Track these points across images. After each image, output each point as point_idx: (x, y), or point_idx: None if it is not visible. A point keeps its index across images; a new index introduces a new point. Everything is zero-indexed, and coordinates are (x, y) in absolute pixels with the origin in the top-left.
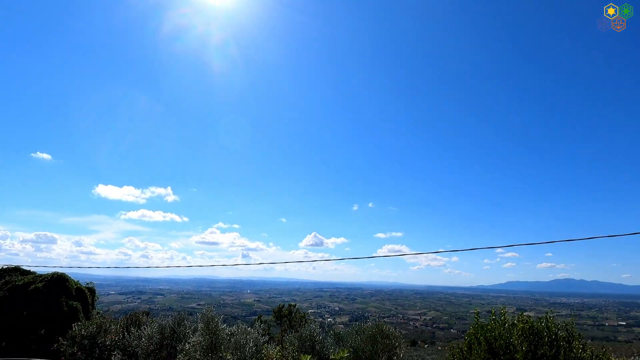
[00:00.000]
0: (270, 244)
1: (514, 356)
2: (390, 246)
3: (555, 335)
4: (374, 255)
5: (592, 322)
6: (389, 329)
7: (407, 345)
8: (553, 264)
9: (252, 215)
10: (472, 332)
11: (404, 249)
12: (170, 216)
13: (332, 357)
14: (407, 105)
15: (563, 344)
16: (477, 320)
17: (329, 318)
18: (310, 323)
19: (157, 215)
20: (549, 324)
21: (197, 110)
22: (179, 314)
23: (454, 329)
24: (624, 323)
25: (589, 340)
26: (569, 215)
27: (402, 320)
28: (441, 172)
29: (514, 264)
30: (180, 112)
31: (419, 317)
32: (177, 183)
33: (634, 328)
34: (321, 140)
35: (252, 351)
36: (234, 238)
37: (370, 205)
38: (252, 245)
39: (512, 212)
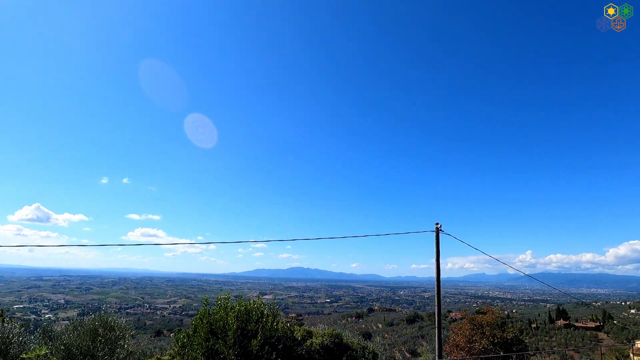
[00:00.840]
0: None
1: (227, 334)
2: (145, 229)
3: (262, 313)
4: (127, 244)
5: (310, 300)
6: (114, 321)
7: (151, 336)
8: (290, 254)
9: None
10: (198, 317)
11: (160, 233)
12: None
13: (24, 356)
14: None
15: (264, 320)
16: (205, 306)
17: (47, 314)
18: (7, 322)
19: None
20: (258, 305)
21: None
22: None
23: None
24: (329, 300)
25: (307, 315)
26: (305, 215)
27: (148, 310)
28: (207, 160)
29: (262, 254)
30: None
31: (168, 306)
32: None
33: (333, 303)
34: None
35: None
36: None
37: (125, 181)
38: None
39: (264, 208)
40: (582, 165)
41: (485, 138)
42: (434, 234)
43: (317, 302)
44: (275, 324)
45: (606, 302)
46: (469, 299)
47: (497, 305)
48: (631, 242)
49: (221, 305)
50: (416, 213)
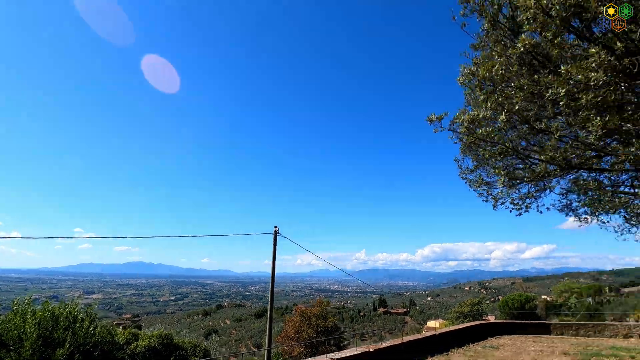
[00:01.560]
0: None
1: (24, 344)
2: None
3: (74, 318)
4: None
5: (151, 299)
6: None
7: None
8: (129, 247)
9: None
10: None
11: None
12: None
13: None
14: None
15: (78, 325)
16: None
17: None
18: None
19: None
20: (70, 309)
21: None
22: None
23: None
24: (174, 297)
25: (145, 315)
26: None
27: None
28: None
29: (90, 246)
30: None
31: None
32: None
33: (179, 301)
34: None
35: None
36: None
37: None
38: None
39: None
40: (406, 182)
41: (324, 154)
42: (272, 236)
43: (159, 301)
44: (92, 328)
45: (413, 292)
46: (314, 293)
47: (336, 297)
48: (431, 245)
49: (17, 311)
50: (272, 212)
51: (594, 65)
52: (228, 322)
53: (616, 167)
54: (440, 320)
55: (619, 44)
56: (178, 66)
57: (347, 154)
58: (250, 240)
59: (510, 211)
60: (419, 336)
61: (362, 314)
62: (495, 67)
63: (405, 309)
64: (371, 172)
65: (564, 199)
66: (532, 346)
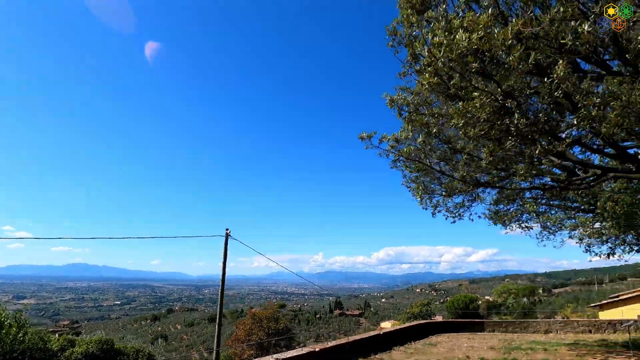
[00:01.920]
0: None
1: None
2: None
3: (1, 324)
4: None
5: (93, 304)
6: None
7: None
8: (69, 247)
9: None
10: None
11: None
12: None
13: None
14: None
15: (4, 332)
16: None
17: None
18: None
19: None
20: None
21: None
22: None
23: None
24: (119, 302)
25: (86, 322)
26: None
27: None
28: None
29: (22, 245)
30: None
31: None
32: None
33: (125, 306)
34: None
35: None
36: None
37: None
38: None
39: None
40: (363, 187)
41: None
42: (224, 238)
43: (102, 306)
44: (21, 335)
45: (368, 294)
46: (271, 295)
47: (294, 300)
48: (386, 248)
49: None
50: (229, 213)
51: (477, 104)
52: (179, 326)
53: (513, 186)
54: (393, 320)
55: (502, 86)
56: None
57: (305, 159)
58: (205, 242)
59: (446, 219)
60: (364, 335)
61: (318, 316)
62: (412, 96)
63: (361, 311)
64: (327, 179)
65: (493, 208)
66: (465, 343)
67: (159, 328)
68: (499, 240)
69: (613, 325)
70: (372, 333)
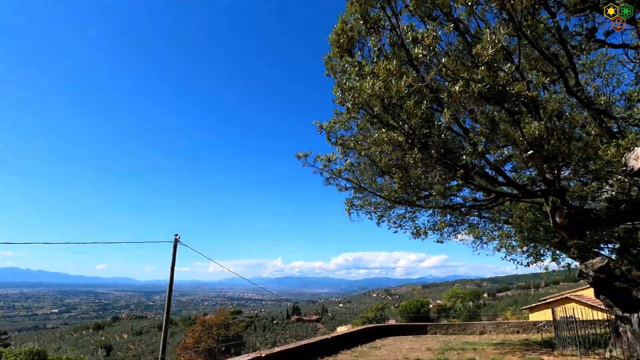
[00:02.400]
0: None
1: None
2: None
3: None
4: None
5: (26, 312)
6: None
7: None
8: None
9: None
10: None
11: None
12: None
13: None
14: None
15: None
16: None
17: None
18: None
19: None
20: None
21: None
22: None
23: None
24: (57, 310)
25: (17, 332)
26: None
27: None
28: None
29: None
30: None
31: None
32: None
33: (64, 314)
34: None
35: None
36: None
37: None
38: None
39: None
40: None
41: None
42: (172, 244)
43: (37, 315)
44: None
45: (326, 299)
46: (227, 301)
47: (251, 305)
48: (343, 254)
49: None
50: (186, 218)
51: (384, 138)
52: (126, 335)
53: (429, 204)
54: (349, 325)
55: (405, 125)
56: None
57: (264, 164)
58: (156, 246)
59: (389, 228)
60: (311, 340)
61: (275, 322)
62: (337, 124)
63: (318, 316)
64: (289, 186)
65: (432, 219)
66: (407, 345)
67: (103, 338)
68: (450, 246)
69: (537, 326)
70: (320, 338)
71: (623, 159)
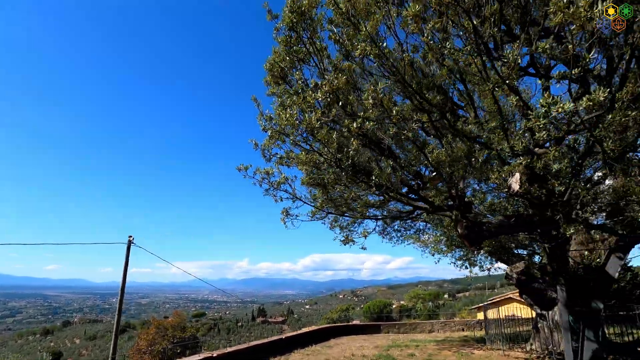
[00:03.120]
0: None
1: None
2: None
3: None
4: None
5: None
6: None
7: None
8: None
9: None
10: None
11: None
12: None
13: None
14: None
15: None
16: None
17: None
18: None
19: None
20: None
21: None
22: None
23: None
24: (0, 314)
25: None
26: None
27: None
28: None
29: None
30: None
31: None
32: None
33: (7, 319)
34: None
35: None
36: None
37: None
38: None
39: None
40: None
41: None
42: (126, 245)
43: None
44: None
45: (293, 301)
46: (190, 304)
47: (215, 308)
48: (312, 255)
49: None
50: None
51: (305, 159)
52: (78, 341)
53: (355, 215)
54: (314, 326)
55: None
56: None
57: (227, 166)
58: (112, 247)
59: (340, 234)
60: (264, 340)
61: (239, 324)
62: (271, 142)
63: (284, 318)
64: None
65: (381, 225)
66: (359, 343)
67: (52, 343)
68: (414, 249)
69: (480, 324)
70: (274, 338)
71: (507, 182)
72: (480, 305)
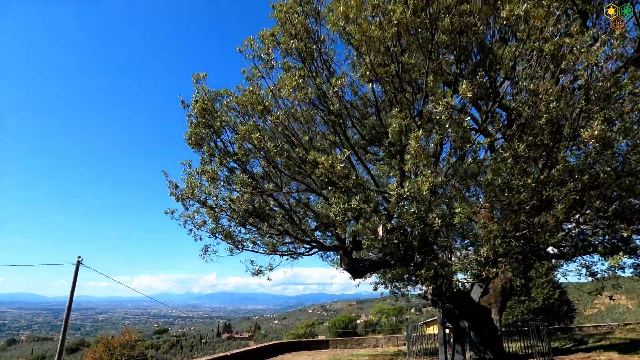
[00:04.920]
0: None
1: None
2: None
3: None
4: None
5: None
6: None
7: None
8: None
9: None
10: None
11: None
12: None
13: None
14: None
15: None
16: None
17: None
18: None
19: None
20: None
21: None
22: None
23: None
24: None
25: None
26: None
27: None
28: None
29: None
30: None
31: None
32: None
33: None
34: None
35: None
36: None
37: None
38: None
39: None
40: None
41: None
42: (75, 266)
43: None
44: None
45: (261, 316)
46: (151, 319)
47: (179, 324)
48: (282, 269)
49: None
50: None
51: (210, 214)
52: None
53: (264, 250)
54: (263, 343)
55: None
56: None
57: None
58: (65, 260)
59: (281, 256)
60: (208, 357)
61: (204, 341)
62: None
63: (251, 333)
64: None
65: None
66: (303, 358)
67: None
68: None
69: (420, 338)
70: (219, 354)
71: (377, 230)
72: (428, 320)
